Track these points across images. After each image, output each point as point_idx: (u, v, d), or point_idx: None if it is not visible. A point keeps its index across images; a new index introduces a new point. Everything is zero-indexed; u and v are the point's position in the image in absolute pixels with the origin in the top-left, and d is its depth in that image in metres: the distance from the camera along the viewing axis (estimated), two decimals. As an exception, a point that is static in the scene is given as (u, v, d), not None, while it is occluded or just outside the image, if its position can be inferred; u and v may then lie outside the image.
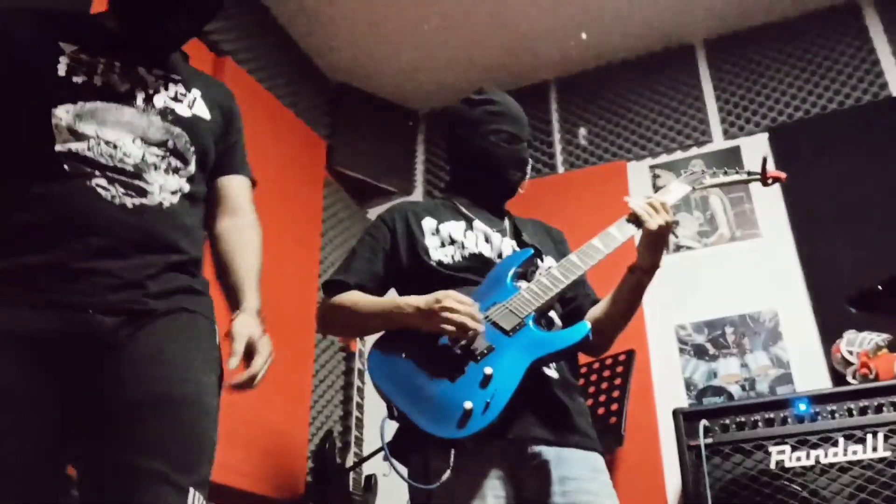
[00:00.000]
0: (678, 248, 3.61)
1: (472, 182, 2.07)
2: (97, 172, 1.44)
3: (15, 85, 1.47)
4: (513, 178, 2.04)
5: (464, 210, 2.02)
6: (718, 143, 3.82)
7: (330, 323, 1.96)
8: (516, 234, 2.04)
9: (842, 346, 2.97)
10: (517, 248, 1.98)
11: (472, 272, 1.88)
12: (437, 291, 1.72)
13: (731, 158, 3.71)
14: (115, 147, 1.48)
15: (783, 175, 2.02)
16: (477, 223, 1.98)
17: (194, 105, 1.66)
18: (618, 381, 3.03)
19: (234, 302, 1.61)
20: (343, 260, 1.99)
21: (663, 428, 3.17)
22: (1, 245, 1.37)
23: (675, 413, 2.76)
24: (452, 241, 1.93)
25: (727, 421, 2.72)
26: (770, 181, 2.04)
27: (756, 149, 3.69)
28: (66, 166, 1.43)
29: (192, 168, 1.59)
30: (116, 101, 1.52)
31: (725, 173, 2.06)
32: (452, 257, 1.90)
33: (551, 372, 1.76)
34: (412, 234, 1.95)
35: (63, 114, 1.45)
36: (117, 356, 1.36)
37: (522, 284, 1.83)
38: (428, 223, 1.97)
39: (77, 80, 1.50)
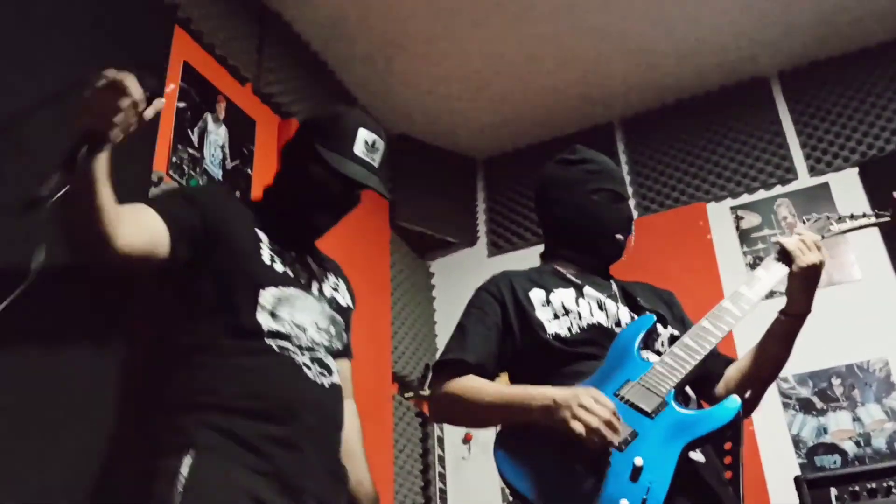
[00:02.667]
0: (771, 293, 3.40)
1: (575, 246, 1.93)
2: (301, 353, 1.62)
3: (228, 263, 1.64)
4: (620, 239, 1.91)
5: (570, 276, 1.88)
6: (804, 180, 3.63)
7: (449, 412, 1.81)
8: (628, 299, 1.89)
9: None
10: (633, 315, 1.83)
11: (591, 345, 1.74)
12: (577, 387, 1.56)
13: (820, 196, 3.52)
14: (303, 330, 1.65)
15: None
16: (587, 289, 1.84)
17: (344, 294, 1.88)
18: (727, 446, 2.82)
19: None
20: (452, 337, 1.83)
21: (776, 494, 2.95)
22: (227, 413, 1.50)
23: (798, 481, 2.56)
24: (567, 312, 1.78)
25: (856, 488, 2.51)
26: None
27: (846, 185, 3.50)
28: (273, 344, 1.59)
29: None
30: (303, 290, 1.72)
31: (852, 217, 1.93)
32: (570, 329, 1.76)
33: (698, 456, 1.59)
34: (522, 306, 1.81)
35: (268, 297, 1.62)
36: None
37: (651, 357, 1.69)
38: (536, 294, 1.83)
39: (278, 268, 1.69)
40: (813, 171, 3.62)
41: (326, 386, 1.63)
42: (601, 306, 1.82)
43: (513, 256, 4.08)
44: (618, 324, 1.79)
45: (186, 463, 1.40)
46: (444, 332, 4.03)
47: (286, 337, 1.60)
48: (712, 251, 3.58)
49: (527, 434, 1.59)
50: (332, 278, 1.86)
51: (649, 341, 1.76)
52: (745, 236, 3.61)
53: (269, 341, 1.57)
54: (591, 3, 3.41)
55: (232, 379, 1.53)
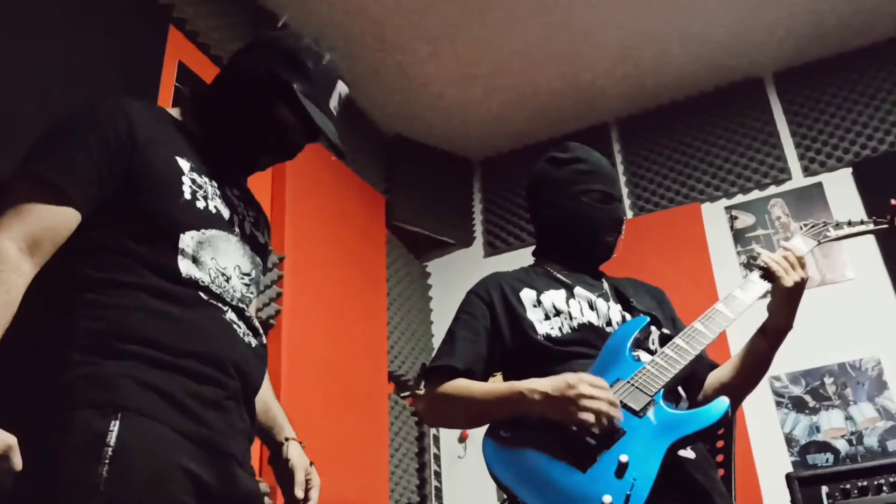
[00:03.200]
0: (765, 293, 3.41)
1: (565, 247, 1.94)
2: (225, 307, 1.43)
3: (142, 195, 1.39)
4: (610, 240, 1.91)
5: (561, 277, 1.89)
6: (798, 180, 3.64)
7: (439, 415, 1.83)
8: (620, 298, 1.89)
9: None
10: (625, 314, 1.84)
11: (583, 344, 1.75)
12: (566, 374, 1.57)
13: (814, 196, 3.53)
14: (227, 279, 1.45)
15: None
16: (578, 290, 1.85)
17: (263, 231, 1.65)
18: (720, 444, 2.84)
19: (271, 434, 1.64)
20: (442, 343, 1.84)
21: (768, 492, 2.96)
22: (157, 366, 1.30)
23: (790, 478, 2.57)
24: (558, 312, 1.79)
25: (847, 486, 2.52)
26: None
27: (840, 185, 3.52)
28: (202, 294, 1.39)
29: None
30: (225, 230, 1.49)
31: (850, 224, 1.92)
32: (561, 330, 1.77)
33: (687, 453, 1.60)
34: (512, 308, 1.81)
35: (189, 241, 1.41)
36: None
37: (643, 357, 1.69)
38: (527, 294, 1.84)
39: (199, 205, 1.45)
40: (807, 171, 3.64)
41: (253, 346, 1.46)
42: (592, 306, 1.82)
43: (509, 257, 4.09)
44: (608, 323, 1.80)
45: (114, 425, 1.19)
46: (440, 332, 4.04)
47: (208, 288, 1.41)
48: (706, 251, 3.59)
49: (513, 431, 1.60)
50: (250, 212, 1.62)
51: (641, 341, 1.76)
52: (739, 236, 3.62)
53: (193, 290, 1.38)
54: (587, 5, 3.43)
55: (161, 328, 1.32)
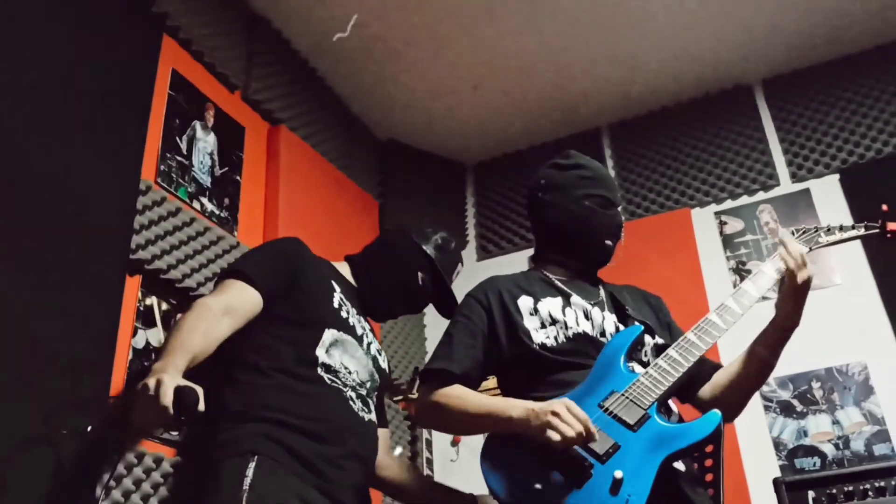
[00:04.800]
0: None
1: (565, 251, 1.96)
2: (346, 388, 1.88)
3: (302, 293, 1.93)
4: (609, 244, 1.94)
5: (559, 284, 1.91)
6: (786, 186, 3.67)
7: (434, 420, 1.85)
8: (615, 307, 1.92)
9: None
10: (619, 324, 1.86)
11: (577, 354, 1.78)
12: (553, 400, 1.59)
13: (801, 202, 3.57)
14: (349, 372, 1.91)
15: None
16: (574, 298, 1.87)
17: (384, 359, 2.12)
18: (709, 449, 2.87)
19: (455, 497, 2.18)
20: (440, 345, 1.87)
21: (756, 495, 2.99)
22: (285, 428, 1.73)
23: (777, 483, 2.60)
24: (553, 321, 1.82)
25: (833, 490, 2.56)
26: (890, 235, 1.90)
27: (827, 191, 3.55)
28: (326, 376, 1.85)
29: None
30: (356, 340, 1.97)
31: (841, 229, 1.93)
32: (556, 339, 1.80)
33: (678, 465, 1.63)
34: (509, 314, 1.84)
35: (329, 335, 1.89)
36: None
37: (637, 368, 1.72)
38: (524, 302, 1.86)
39: (343, 314, 1.96)
40: (795, 177, 3.67)
41: (366, 420, 1.89)
42: (587, 315, 1.84)
43: (502, 260, 4.12)
44: (602, 333, 1.82)
45: (251, 465, 1.63)
46: (433, 335, 4.07)
47: (335, 372, 1.86)
48: (696, 256, 3.62)
49: (510, 445, 1.63)
50: (376, 343, 2.08)
51: (635, 352, 1.78)
52: (728, 241, 3.66)
53: (322, 373, 1.83)
54: (578, 12, 3.45)
55: (292, 400, 1.76)
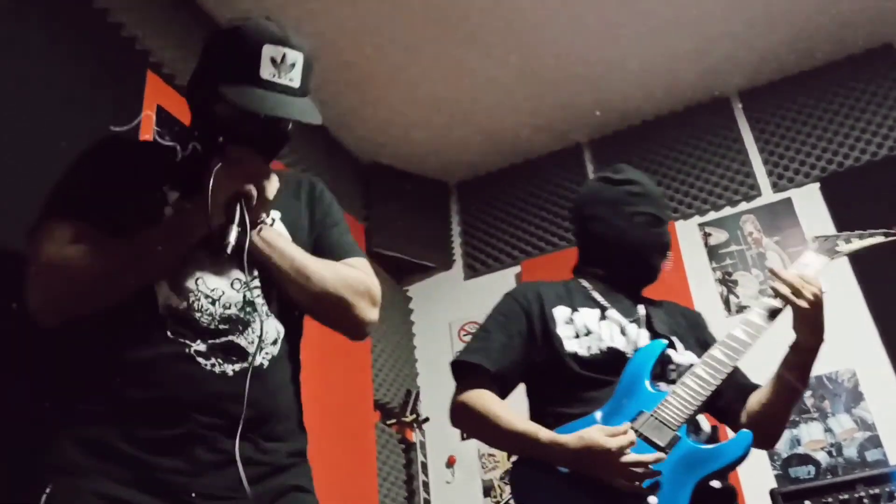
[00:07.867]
0: (740, 308, 3.49)
1: (608, 265, 1.92)
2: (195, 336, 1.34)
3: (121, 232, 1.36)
4: (656, 264, 1.91)
5: (597, 297, 1.87)
6: (768, 196, 3.73)
7: (463, 424, 1.80)
8: (650, 323, 1.86)
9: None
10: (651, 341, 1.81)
11: (605, 370, 1.74)
12: (583, 431, 1.57)
13: (783, 212, 3.61)
14: (213, 302, 1.37)
15: None
16: (611, 312, 1.83)
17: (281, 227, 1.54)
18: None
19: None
20: (474, 338, 1.83)
21: (753, 505, 3.01)
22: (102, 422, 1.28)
23: (774, 495, 2.62)
24: (588, 333, 1.78)
25: (829, 500, 2.58)
26: None
27: (808, 200, 3.61)
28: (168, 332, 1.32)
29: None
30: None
31: (860, 236, 1.87)
32: (589, 349, 1.76)
33: (714, 482, 1.59)
34: (546, 320, 1.81)
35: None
36: None
37: (664, 387, 1.69)
38: (561, 312, 1.83)
39: None
40: (776, 187, 3.73)
41: (230, 374, 1.33)
42: (623, 331, 1.80)
43: (489, 279, 4.13)
44: (635, 350, 1.78)
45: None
46: (423, 357, 4.07)
47: (183, 317, 1.34)
48: (682, 268, 3.65)
49: (544, 466, 1.61)
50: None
51: (661, 369, 1.75)
52: (713, 252, 3.70)
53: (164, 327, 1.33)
54: (557, 30, 3.49)
55: (120, 375, 1.29)
